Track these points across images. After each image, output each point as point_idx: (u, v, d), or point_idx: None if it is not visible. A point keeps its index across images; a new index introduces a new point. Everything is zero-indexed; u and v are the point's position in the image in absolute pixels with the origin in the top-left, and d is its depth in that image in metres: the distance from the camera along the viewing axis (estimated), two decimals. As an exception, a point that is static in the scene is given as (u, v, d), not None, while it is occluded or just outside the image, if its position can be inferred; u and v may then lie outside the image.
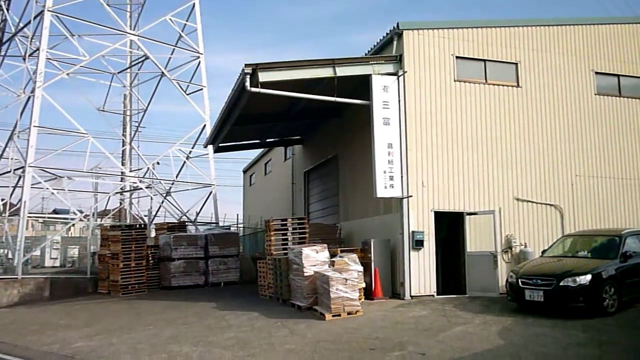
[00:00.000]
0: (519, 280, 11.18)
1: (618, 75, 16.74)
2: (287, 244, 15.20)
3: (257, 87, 12.91)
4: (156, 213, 27.66)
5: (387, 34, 14.62)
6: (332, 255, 13.23)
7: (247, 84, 12.87)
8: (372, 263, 13.75)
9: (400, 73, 14.02)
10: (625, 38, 17.06)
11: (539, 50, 15.74)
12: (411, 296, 13.39)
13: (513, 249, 14.44)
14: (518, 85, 15.38)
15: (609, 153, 16.11)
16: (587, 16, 16.57)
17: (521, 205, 14.82)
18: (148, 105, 30.23)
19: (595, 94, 16.25)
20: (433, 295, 13.64)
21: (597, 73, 16.40)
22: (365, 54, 15.54)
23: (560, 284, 10.50)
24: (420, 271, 13.62)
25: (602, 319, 10.17)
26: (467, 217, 14.30)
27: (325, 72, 13.55)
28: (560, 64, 15.96)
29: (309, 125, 21.20)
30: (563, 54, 16.05)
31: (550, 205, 15.10)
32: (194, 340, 9.45)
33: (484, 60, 15.14)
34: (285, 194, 25.84)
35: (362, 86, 14.22)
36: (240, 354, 8.26)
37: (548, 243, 13.96)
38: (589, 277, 10.46)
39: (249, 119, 17.88)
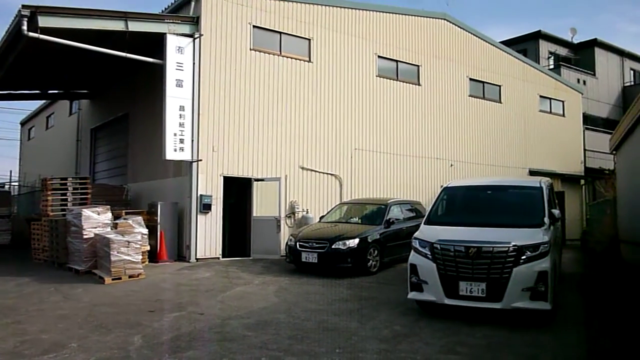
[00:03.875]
0: (297, 243, 12.02)
1: (397, 61, 18.54)
2: (66, 205, 14.28)
3: (37, 32, 11.74)
4: None
5: (185, -7, 14.30)
6: (117, 217, 12.84)
7: (24, 27, 11.61)
8: (159, 226, 13.60)
9: (196, 35, 13.84)
10: (405, 28, 18.89)
11: (331, 29, 16.70)
12: (197, 259, 13.59)
13: (296, 214, 15.41)
14: (310, 61, 16.19)
15: (384, 130, 17.86)
16: (375, 3, 17.95)
17: (306, 174, 15.82)
18: None
19: (377, 76, 17.83)
20: (218, 258, 14.01)
21: (379, 57, 17.98)
22: (162, 11, 15.02)
23: (332, 247, 11.56)
24: (207, 234, 13.87)
25: (366, 277, 11.47)
26: (254, 183, 14.84)
27: (117, 25, 12.81)
28: (348, 45, 17.12)
29: (99, 80, 19.84)
30: (351, 35, 17.24)
31: (331, 174, 16.37)
32: (-55, 310, 8.48)
33: (280, 33, 15.61)
34: (70, 152, 23.97)
35: (158, 45, 13.73)
36: (4, 322, 7.63)
37: (328, 209, 15.17)
38: (356, 240, 11.67)
39: (28, 66, 16.15)
